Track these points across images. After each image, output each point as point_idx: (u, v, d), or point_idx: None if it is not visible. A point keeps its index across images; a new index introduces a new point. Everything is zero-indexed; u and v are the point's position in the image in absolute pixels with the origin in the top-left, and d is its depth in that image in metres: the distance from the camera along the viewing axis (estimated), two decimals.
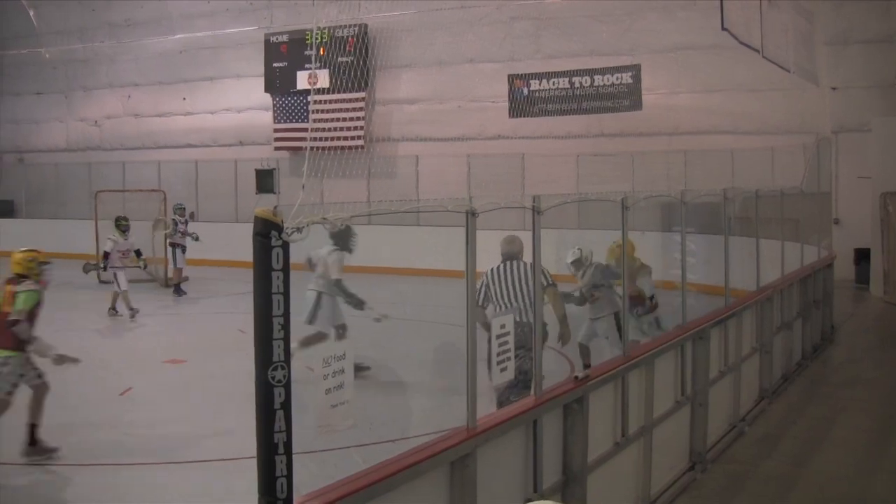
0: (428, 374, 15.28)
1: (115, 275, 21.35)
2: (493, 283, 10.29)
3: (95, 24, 37.60)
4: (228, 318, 19.85)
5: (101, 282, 25.31)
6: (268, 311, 4.42)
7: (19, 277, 11.70)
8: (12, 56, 39.34)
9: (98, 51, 37.46)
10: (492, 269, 10.34)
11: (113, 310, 21.35)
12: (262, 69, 32.98)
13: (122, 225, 22.19)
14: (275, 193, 30.51)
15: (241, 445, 10.60)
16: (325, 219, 4.62)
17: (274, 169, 31.29)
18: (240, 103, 34.61)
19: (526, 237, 7.81)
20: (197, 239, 24.38)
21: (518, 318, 9.53)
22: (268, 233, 4.38)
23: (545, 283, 9.79)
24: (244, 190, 32.66)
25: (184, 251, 25.15)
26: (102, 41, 37.16)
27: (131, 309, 20.82)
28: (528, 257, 9.65)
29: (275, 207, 4.40)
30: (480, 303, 10.22)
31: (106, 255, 21.92)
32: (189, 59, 35.51)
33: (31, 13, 38.34)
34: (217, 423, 12.66)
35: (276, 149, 32.75)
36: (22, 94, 40.87)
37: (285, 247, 4.42)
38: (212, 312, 20.52)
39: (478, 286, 9.95)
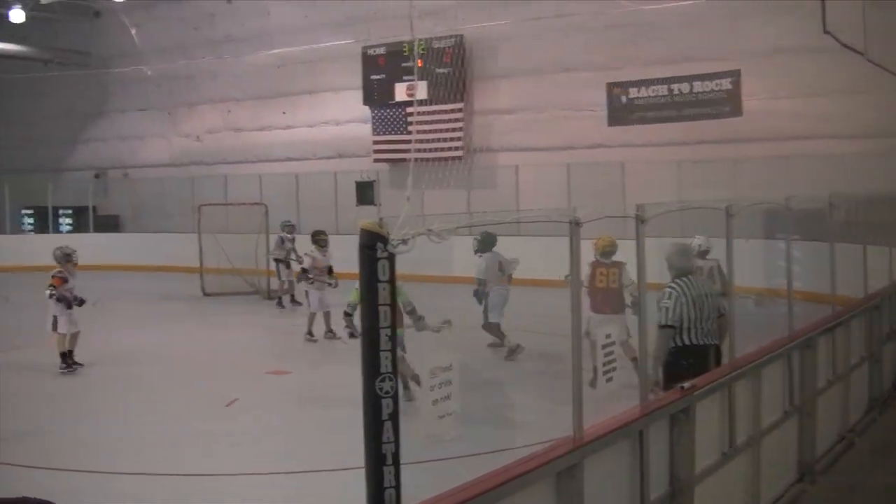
0: (531, 384, 15.25)
1: (306, 293, 20.52)
2: (688, 304, 9.46)
3: (196, 42, 38.11)
4: (333, 328, 19.95)
5: (295, 302, 25.34)
6: (375, 323, 4.43)
7: None
8: (117, 74, 40.02)
9: (199, 67, 37.97)
10: (680, 286, 9.54)
11: (309, 334, 20.01)
12: (360, 82, 33.15)
13: (321, 240, 20.73)
14: (375, 205, 30.72)
15: (348, 455, 10.67)
16: (429, 230, 4.62)
17: (373, 181, 31.54)
18: (339, 116, 34.82)
19: (625, 246, 7.75)
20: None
21: (700, 341, 9.40)
22: (374, 245, 4.40)
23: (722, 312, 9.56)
24: (344, 202, 32.87)
25: (288, 266, 25.18)
26: (203, 57, 37.64)
27: (330, 331, 19.78)
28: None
29: (380, 219, 4.42)
30: (668, 321, 9.39)
31: (304, 272, 20.73)
32: (288, 73, 35.83)
33: (134, 32, 38.98)
34: (321, 433, 12.74)
35: (376, 161, 32.89)
36: (126, 111, 41.57)
37: (391, 258, 4.43)
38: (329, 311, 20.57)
39: (668, 304, 9.41)
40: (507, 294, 17.58)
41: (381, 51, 32.61)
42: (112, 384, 16.38)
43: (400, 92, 32.24)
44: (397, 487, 4.61)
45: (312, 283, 20.11)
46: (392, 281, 4.43)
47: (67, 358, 17.16)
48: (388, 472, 4.57)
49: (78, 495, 10.09)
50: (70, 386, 16.36)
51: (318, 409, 14.32)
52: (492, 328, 17.34)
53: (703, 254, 14.00)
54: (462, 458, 8.29)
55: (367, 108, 33.33)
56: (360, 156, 33.43)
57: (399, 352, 13.92)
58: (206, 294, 27.28)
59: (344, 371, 16.03)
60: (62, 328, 17.10)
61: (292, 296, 25.46)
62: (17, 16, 37.39)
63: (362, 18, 33.21)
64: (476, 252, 17.37)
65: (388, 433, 4.52)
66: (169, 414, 14.15)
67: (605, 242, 14.59)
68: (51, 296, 17.07)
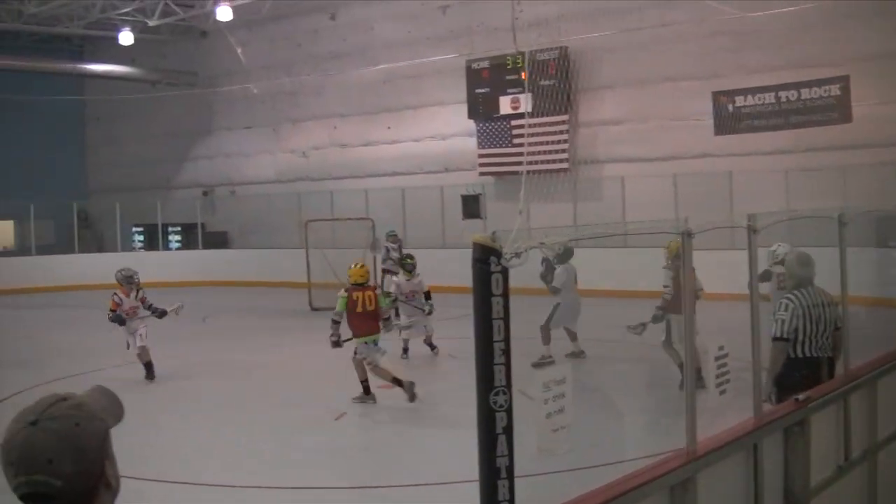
0: (638, 396, 15.16)
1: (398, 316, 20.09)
2: (804, 316, 9.27)
3: (301, 58, 38.54)
4: (438, 343, 19.98)
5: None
6: (489, 337, 4.44)
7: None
8: (223, 93, 40.57)
9: (304, 84, 38.36)
10: (797, 298, 9.36)
11: (404, 353, 19.65)
12: (464, 95, 33.22)
13: (408, 264, 20.63)
14: (481, 218, 30.76)
15: (459, 469, 10.68)
16: (542, 243, 4.62)
17: (480, 194, 31.57)
18: (443, 130, 34.94)
19: (734, 256, 7.64)
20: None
21: (814, 353, 9.26)
22: (486, 259, 4.40)
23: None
24: (450, 216, 32.97)
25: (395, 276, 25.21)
26: (308, 74, 38.01)
27: (431, 345, 19.88)
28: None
29: (493, 233, 4.42)
30: (783, 334, 9.22)
31: (388, 296, 20.64)
32: (392, 88, 36.06)
33: (240, 51, 39.48)
34: (429, 447, 12.77)
35: (481, 174, 32.94)
36: (233, 129, 42.17)
37: (504, 272, 4.43)
38: (420, 337, 20.66)
39: (784, 316, 9.24)
40: (579, 302, 18.29)
41: (485, 64, 32.67)
42: (221, 397, 16.58)
43: (504, 105, 32.27)
44: (511, 501, 4.61)
45: (398, 309, 20.06)
46: (506, 295, 4.43)
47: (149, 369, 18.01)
48: (502, 485, 4.57)
49: None
50: (179, 399, 16.59)
51: (426, 422, 14.37)
52: (543, 330, 17.67)
53: (783, 262, 13.78)
54: (572, 472, 8.26)
55: (471, 121, 33.40)
56: (466, 169, 33.51)
57: (378, 356, 15.45)
58: (313, 309, 27.48)
59: (453, 386, 16.15)
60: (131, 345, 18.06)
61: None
62: (126, 38, 38.14)
63: (465, 32, 33.33)
64: (554, 263, 17.91)
65: (502, 446, 4.53)
66: (278, 428, 14.29)
67: (677, 244, 14.51)
68: (109, 318, 18.18)
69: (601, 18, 29.44)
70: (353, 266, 16.39)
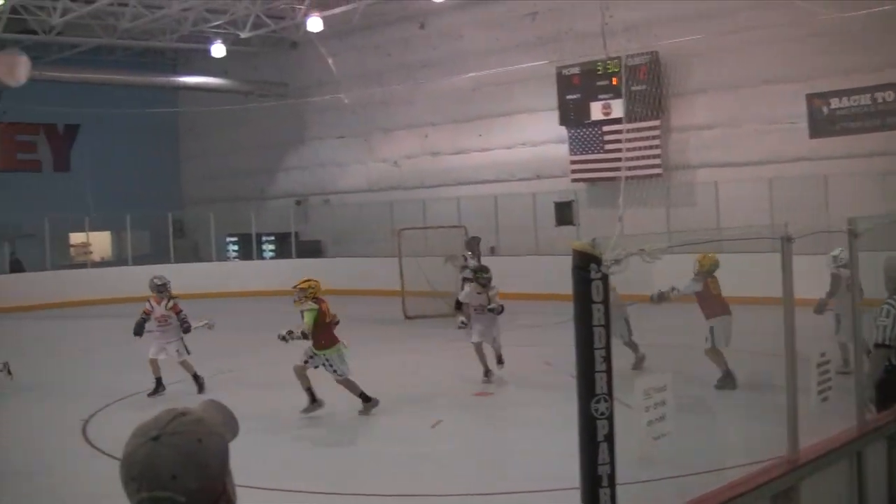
0: (737, 403, 15.00)
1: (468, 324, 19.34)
2: None
3: (391, 68, 38.69)
4: (532, 350, 19.95)
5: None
6: (589, 344, 4.42)
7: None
8: (315, 103, 40.84)
9: (395, 93, 38.50)
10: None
11: (497, 365, 18.55)
12: (555, 102, 33.11)
13: (482, 278, 19.59)
14: (574, 225, 30.65)
15: (555, 476, 10.66)
16: (642, 250, 4.59)
17: (572, 201, 31.47)
18: (535, 137, 34.87)
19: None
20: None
21: None
22: (586, 266, 4.39)
23: None
24: (543, 223, 32.90)
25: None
26: (398, 83, 38.15)
27: (500, 361, 18.47)
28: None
29: (593, 240, 4.40)
30: (884, 340, 8.91)
31: (458, 306, 20.77)
32: (483, 95, 36.05)
33: (330, 61, 39.77)
34: (527, 453, 12.75)
35: (574, 181, 32.82)
36: (325, 139, 42.49)
37: (604, 279, 4.41)
38: (514, 345, 20.63)
39: (885, 322, 8.97)
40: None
41: (576, 70, 32.55)
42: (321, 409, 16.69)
43: (596, 111, 32.13)
44: None
45: (466, 316, 19.35)
46: (606, 302, 4.42)
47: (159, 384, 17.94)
48: (603, 494, 4.55)
49: None
50: (278, 407, 16.72)
51: (523, 430, 14.34)
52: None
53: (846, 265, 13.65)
54: (672, 480, 8.20)
55: (563, 127, 33.30)
56: (558, 176, 33.39)
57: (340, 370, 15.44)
58: (407, 317, 27.60)
59: (548, 394, 16.10)
60: (154, 353, 17.98)
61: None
62: (218, 50, 38.62)
63: (554, 38, 33.20)
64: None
65: (603, 454, 4.51)
66: (374, 436, 14.37)
67: (710, 261, 16.49)
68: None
69: (692, 22, 29.18)
70: (307, 280, 16.38)
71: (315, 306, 15.51)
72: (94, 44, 38.56)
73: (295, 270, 27.55)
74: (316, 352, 15.48)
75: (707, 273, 16.37)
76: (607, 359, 4.45)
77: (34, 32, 35.60)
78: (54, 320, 32.54)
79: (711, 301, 16.24)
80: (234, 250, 44.09)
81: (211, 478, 2.66)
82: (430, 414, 15.23)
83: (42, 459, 13.46)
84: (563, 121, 33.14)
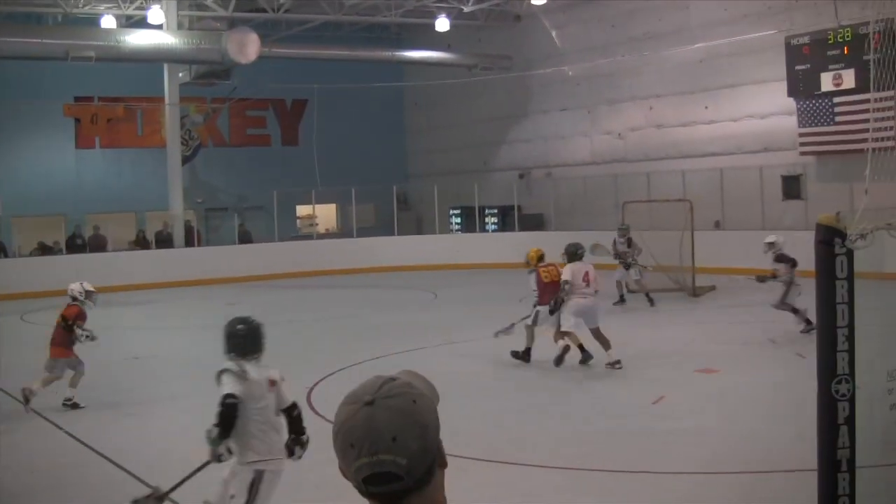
0: None
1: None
2: None
3: (617, 40, 38.27)
4: (755, 327, 19.54)
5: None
6: (831, 322, 4.22)
7: None
8: (539, 76, 40.81)
9: (620, 65, 38.07)
10: None
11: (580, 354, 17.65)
12: (783, 73, 32.22)
13: (576, 255, 19.03)
14: (802, 200, 29.85)
15: (784, 459, 10.40)
16: (889, 224, 4.36)
17: (800, 175, 30.64)
18: (762, 109, 34.00)
19: None
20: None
21: None
22: (831, 240, 4.19)
23: None
24: (769, 197, 32.17)
25: (627, 268, 25.53)
26: (624, 55, 37.74)
27: (582, 350, 17.39)
28: None
29: (837, 213, 4.20)
30: None
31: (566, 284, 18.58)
32: (709, 67, 35.36)
33: (554, 34, 39.70)
34: (748, 433, 12.49)
35: (802, 153, 31.93)
36: (548, 111, 42.37)
37: (849, 254, 4.20)
38: (739, 322, 20.24)
39: None
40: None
41: (805, 40, 31.55)
42: (542, 382, 16.69)
43: (826, 81, 31.11)
44: (852, 496, 4.37)
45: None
46: (850, 278, 4.21)
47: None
48: (842, 479, 4.34)
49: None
50: (506, 377, 16.77)
51: (747, 409, 14.06)
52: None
53: None
54: None
55: (791, 99, 32.40)
56: (786, 149, 32.52)
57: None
58: (630, 291, 27.33)
59: (775, 372, 15.74)
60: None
61: (647, 294, 25.65)
62: (442, 25, 38.95)
63: (784, 8, 32.33)
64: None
65: (843, 438, 4.30)
66: (597, 410, 14.28)
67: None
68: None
69: None
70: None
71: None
72: (321, 20, 39.27)
73: (518, 243, 27.67)
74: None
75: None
76: (850, 338, 4.24)
77: (263, 11, 36.56)
78: (286, 290, 33.36)
79: None
80: (457, 223, 44.38)
81: (429, 439, 2.66)
82: (654, 389, 15.07)
83: None
84: (792, 92, 32.19)
